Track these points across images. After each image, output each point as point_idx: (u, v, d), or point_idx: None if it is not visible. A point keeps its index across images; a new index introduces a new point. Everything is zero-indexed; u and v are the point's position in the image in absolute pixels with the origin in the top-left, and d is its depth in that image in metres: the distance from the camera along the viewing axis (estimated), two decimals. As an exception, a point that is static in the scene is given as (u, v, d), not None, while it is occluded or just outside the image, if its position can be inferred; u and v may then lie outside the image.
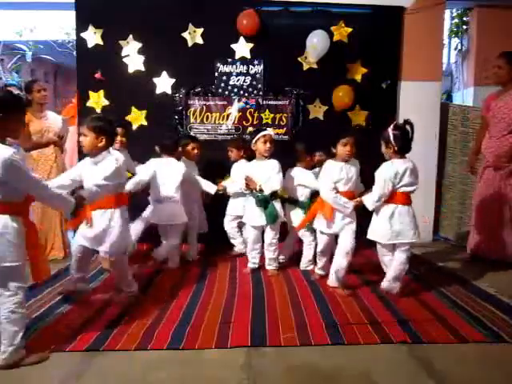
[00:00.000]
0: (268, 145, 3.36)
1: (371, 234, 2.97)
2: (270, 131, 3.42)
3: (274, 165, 3.38)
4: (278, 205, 3.38)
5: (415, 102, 4.35)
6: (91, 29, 4.13)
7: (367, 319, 2.53)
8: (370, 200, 2.91)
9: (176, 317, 2.56)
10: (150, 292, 3.02)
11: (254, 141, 3.41)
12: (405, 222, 2.85)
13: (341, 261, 2.99)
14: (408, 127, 2.83)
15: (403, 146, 2.85)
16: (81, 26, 4.15)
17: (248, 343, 2.24)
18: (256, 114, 4.32)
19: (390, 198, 2.86)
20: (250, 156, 3.64)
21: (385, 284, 2.95)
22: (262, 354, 2.16)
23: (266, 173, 3.36)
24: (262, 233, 3.47)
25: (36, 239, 2.14)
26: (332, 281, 3.04)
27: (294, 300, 2.86)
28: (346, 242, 3.01)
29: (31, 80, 4.21)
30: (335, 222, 3.04)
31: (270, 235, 3.41)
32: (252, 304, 2.78)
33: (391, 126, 2.88)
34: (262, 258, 3.53)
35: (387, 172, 2.83)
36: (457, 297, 2.92)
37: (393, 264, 2.91)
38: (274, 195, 3.35)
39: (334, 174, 3.01)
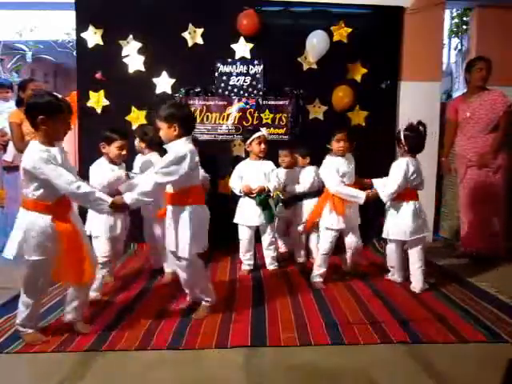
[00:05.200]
0: (263, 146, 3.36)
1: (393, 233, 3.04)
2: (264, 132, 3.40)
3: (272, 166, 3.40)
4: (272, 204, 3.41)
5: (415, 101, 4.35)
6: (91, 29, 4.13)
7: (367, 319, 2.53)
8: (385, 193, 2.98)
9: (176, 317, 2.56)
10: (150, 292, 3.02)
11: (248, 141, 3.40)
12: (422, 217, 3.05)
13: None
14: (421, 128, 2.95)
15: (414, 147, 2.97)
16: (81, 25, 4.15)
17: (248, 343, 2.24)
18: (256, 114, 4.32)
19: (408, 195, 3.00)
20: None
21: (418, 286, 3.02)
22: (262, 353, 2.16)
23: (261, 173, 3.37)
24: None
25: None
26: None
27: (294, 300, 2.85)
28: (354, 239, 3.18)
29: (28, 79, 4.20)
30: (346, 217, 3.08)
31: (270, 235, 3.42)
32: (252, 304, 2.78)
33: (404, 127, 3.00)
34: (261, 258, 3.54)
35: (406, 168, 2.94)
36: (457, 297, 2.92)
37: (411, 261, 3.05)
38: (269, 194, 3.37)
39: (340, 168, 3.05)
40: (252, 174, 3.38)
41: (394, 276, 3.21)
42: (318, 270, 3.13)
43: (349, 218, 3.09)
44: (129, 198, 2.25)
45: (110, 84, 4.18)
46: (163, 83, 4.23)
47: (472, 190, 3.83)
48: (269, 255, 3.47)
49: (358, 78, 4.33)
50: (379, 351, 2.20)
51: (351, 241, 3.19)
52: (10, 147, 4.11)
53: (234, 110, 4.32)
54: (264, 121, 4.32)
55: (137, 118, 4.23)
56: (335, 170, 3.04)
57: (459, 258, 3.88)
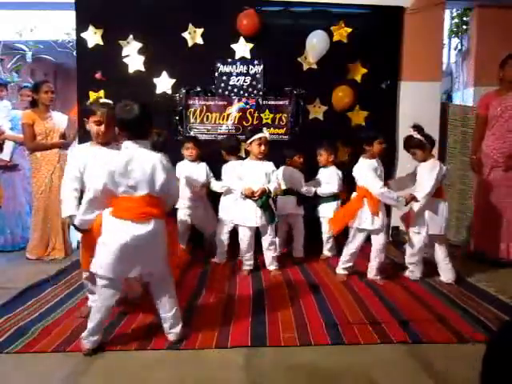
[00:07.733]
0: (263, 147, 3.33)
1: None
2: (265, 133, 3.37)
3: (272, 167, 3.39)
4: (272, 204, 3.42)
5: (415, 102, 4.35)
6: (91, 29, 4.13)
7: (367, 319, 2.53)
8: (422, 194, 3.11)
9: (176, 317, 2.56)
10: (150, 292, 3.02)
11: (248, 141, 3.39)
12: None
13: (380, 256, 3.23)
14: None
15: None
16: (81, 25, 4.15)
17: (248, 343, 2.24)
18: (256, 114, 4.31)
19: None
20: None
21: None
22: (262, 353, 2.16)
23: (262, 173, 3.36)
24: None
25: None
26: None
27: (294, 300, 2.85)
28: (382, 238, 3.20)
29: (41, 80, 4.18)
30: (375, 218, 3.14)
31: (271, 235, 3.41)
32: (252, 304, 2.78)
33: (412, 131, 3.15)
34: (261, 258, 3.54)
35: (440, 169, 3.11)
36: (457, 297, 2.92)
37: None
38: (270, 195, 3.37)
39: (377, 170, 3.16)
40: (252, 174, 3.37)
41: (415, 273, 3.26)
42: (345, 264, 3.30)
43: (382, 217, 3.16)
44: None
45: (110, 84, 4.18)
46: (163, 83, 4.23)
47: (495, 192, 3.70)
48: (269, 255, 3.46)
49: (358, 78, 4.33)
50: (379, 351, 2.20)
51: (377, 241, 3.20)
52: (8, 146, 4.11)
53: (234, 110, 4.32)
54: (264, 121, 4.32)
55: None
56: (375, 172, 3.13)
57: (465, 259, 3.82)
